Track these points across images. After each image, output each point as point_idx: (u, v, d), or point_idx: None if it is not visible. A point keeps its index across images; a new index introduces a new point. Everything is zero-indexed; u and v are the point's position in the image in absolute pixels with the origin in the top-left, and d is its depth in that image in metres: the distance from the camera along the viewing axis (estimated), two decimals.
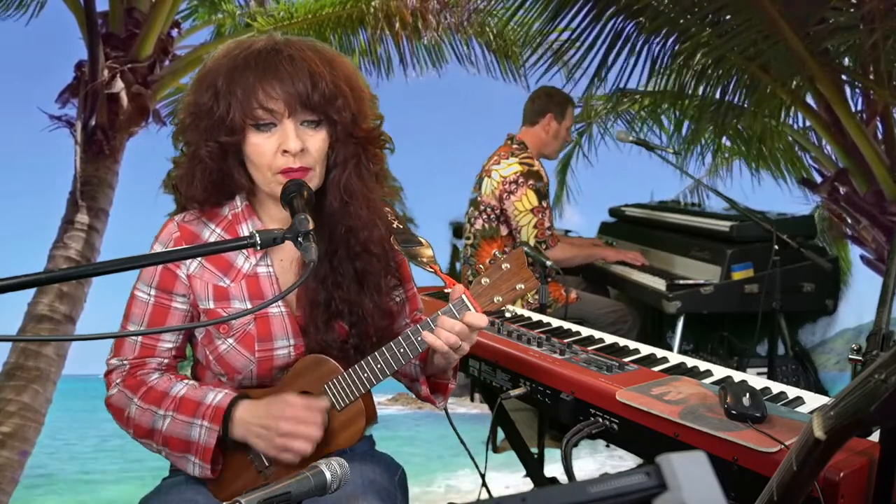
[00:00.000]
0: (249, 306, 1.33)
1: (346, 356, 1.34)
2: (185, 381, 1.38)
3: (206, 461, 1.29)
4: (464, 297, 1.27)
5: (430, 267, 1.36)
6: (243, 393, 1.34)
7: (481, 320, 1.26)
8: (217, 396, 1.32)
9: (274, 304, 1.34)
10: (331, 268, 1.34)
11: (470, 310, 1.26)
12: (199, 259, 1.35)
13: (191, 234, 1.35)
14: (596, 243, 3.60)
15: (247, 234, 1.33)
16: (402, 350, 1.28)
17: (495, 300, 1.28)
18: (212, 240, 1.35)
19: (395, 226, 1.41)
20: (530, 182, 3.08)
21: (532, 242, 3.06)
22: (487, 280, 1.28)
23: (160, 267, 1.34)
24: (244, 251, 1.35)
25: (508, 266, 1.28)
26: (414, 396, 1.43)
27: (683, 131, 5.36)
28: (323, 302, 1.34)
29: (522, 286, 1.28)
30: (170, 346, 1.39)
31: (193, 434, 1.29)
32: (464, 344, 1.27)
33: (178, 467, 1.35)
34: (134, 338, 1.37)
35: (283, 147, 1.26)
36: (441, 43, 5.52)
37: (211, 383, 1.42)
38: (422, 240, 1.40)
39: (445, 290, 1.32)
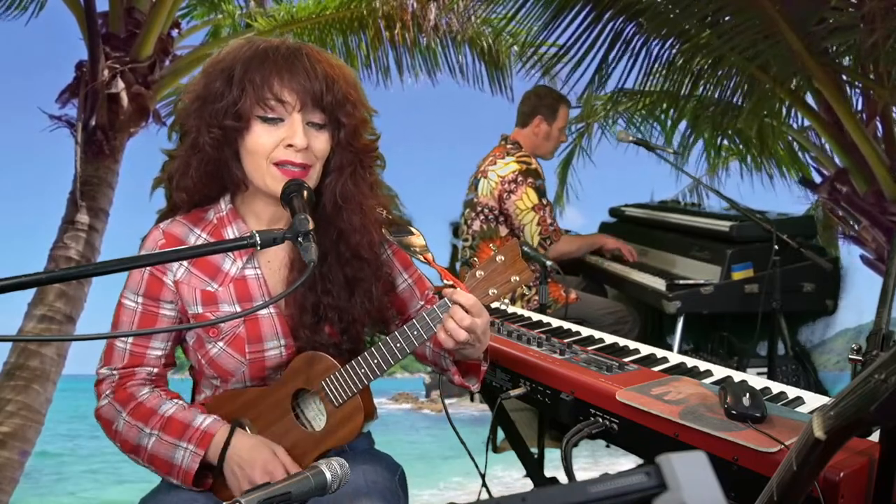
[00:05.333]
0: (238, 309, 1.33)
1: (341, 356, 1.34)
2: (175, 400, 1.38)
3: (187, 483, 1.29)
4: (459, 290, 1.27)
5: (423, 257, 1.36)
6: (236, 420, 1.34)
7: (466, 298, 1.25)
8: (206, 421, 1.32)
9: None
10: (320, 274, 1.34)
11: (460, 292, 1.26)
12: (186, 265, 1.34)
13: (176, 240, 1.35)
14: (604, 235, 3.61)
15: (232, 237, 1.34)
16: (398, 345, 1.29)
17: (490, 293, 1.28)
18: (197, 245, 1.35)
19: (384, 216, 1.40)
20: (529, 180, 3.08)
21: (537, 240, 3.06)
22: (482, 273, 1.29)
23: (146, 274, 1.34)
24: (231, 254, 1.35)
25: (503, 258, 1.28)
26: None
27: (683, 132, 5.37)
28: (310, 306, 1.35)
29: (517, 278, 1.28)
30: (159, 353, 1.38)
31: (177, 457, 1.29)
32: (470, 336, 1.25)
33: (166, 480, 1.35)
34: (122, 346, 1.36)
35: (289, 141, 1.26)
36: (436, 50, 5.56)
37: (206, 387, 1.42)
38: (413, 229, 1.40)
39: (444, 281, 1.32)
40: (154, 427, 1.31)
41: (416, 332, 1.28)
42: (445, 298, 1.27)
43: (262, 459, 1.27)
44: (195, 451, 1.28)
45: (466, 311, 1.25)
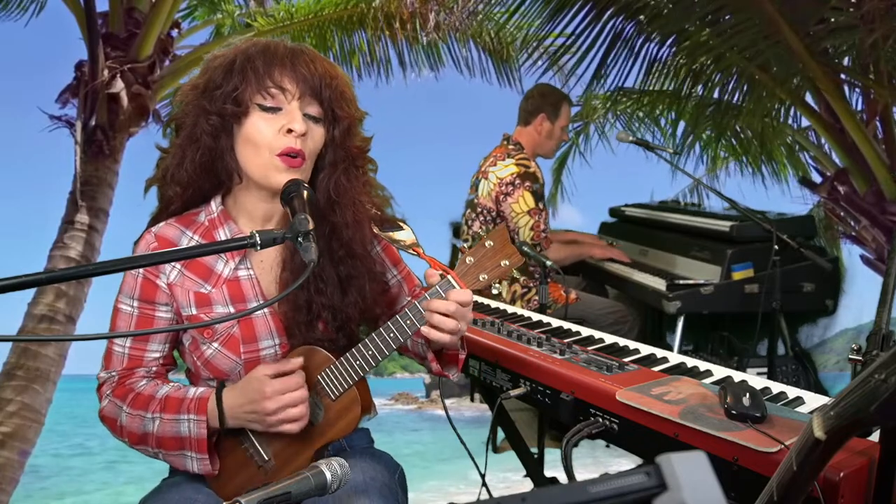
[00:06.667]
0: (232, 311, 1.34)
1: (337, 351, 1.34)
2: (171, 384, 1.38)
3: (202, 452, 1.30)
4: (449, 277, 1.28)
5: (413, 250, 1.37)
6: (221, 382, 1.35)
7: (465, 295, 1.26)
8: (199, 390, 1.33)
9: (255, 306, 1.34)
10: (313, 274, 1.34)
11: (455, 288, 1.27)
12: (179, 267, 1.35)
13: (168, 243, 1.35)
14: (593, 241, 3.61)
15: (225, 239, 1.34)
16: (391, 335, 1.29)
17: (481, 278, 1.29)
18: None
19: (374, 213, 1.41)
20: (527, 184, 3.07)
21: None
22: (472, 259, 1.30)
23: (140, 278, 1.35)
24: (223, 255, 1.35)
25: (492, 243, 1.30)
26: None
27: (683, 131, 5.37)
28: (304, 305, 1.35)
29: (507, 262, 1.29)
30: (157, 355, 1.39)
31: (183, 429, 1.29)
32: (460, 324, 1.26)
33: (177, 467, 1.35)
34: (121, 350, 1.37)
35: (289, 126, 1.27)
36: (438, 45, 5.53)
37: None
38: (402, 224, 1.41)
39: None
40: (155, 411, 1.32)
41: (409, 321, 1.28)
42: (438, 286, 1.27)
43: (258, 388, 1.26)
44: (197, 419, 1.29)
45: (464, 304, 1.26)
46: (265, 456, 1.35)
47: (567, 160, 6.28)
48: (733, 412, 1.19)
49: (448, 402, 1.51)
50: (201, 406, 1.30)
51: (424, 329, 1.27)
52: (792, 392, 1.39)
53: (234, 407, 1.29)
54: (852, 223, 4.51)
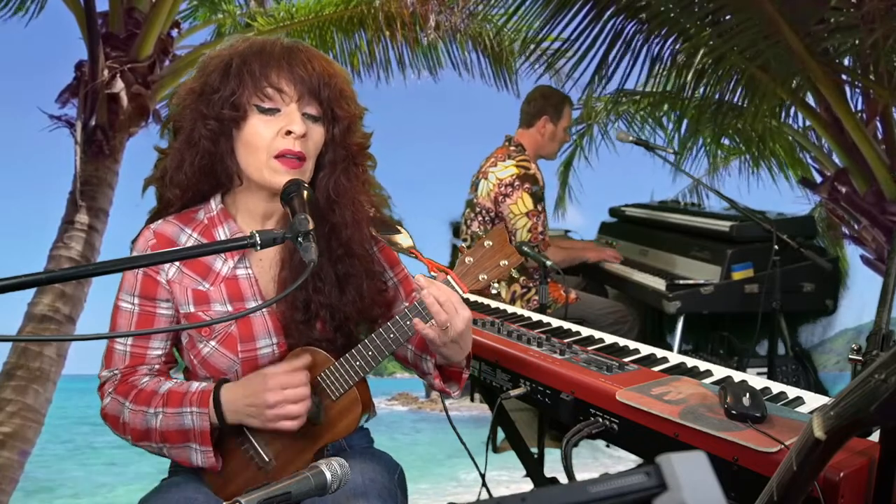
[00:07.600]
0: (230, 309, 1.33)
1: (336, 351, 1.34)
2: (173, 380, 1.38)
3: (206, 444, 1.29)
4: (449, 278, 1.28)
5: (411, 252, 1.37)
6: (224, 378, 1.34)
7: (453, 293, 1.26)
8: (201, 384, 1.33)
9: (253, 305, 1.34)
10: (311, 273, 1.34)
11: (455, 288, 1.27)
12: (178, 264, 1.34)
13: (167, 241, 1.35)
14: (587, 246, 3.60)
15: (224, 237, 1.34)
16: (392, 335, 1.29)
17: (480, 278, 1.30)
18: (189, 245, 1.35)
19: (373, 213, 1.41)
20: (526, 185, 3.07)
21: None
22: (471, 259, 1.30)
23: (140, 275, 1.34)
24: (222, 254, 1.35)
25: (491, 244, 1.30)
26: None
27: (683, 131, 5.37)
28: (301, 304, 1.35)
29: (506, 262, 1.30)
30: (159, 352, 1.39)
31: (186, 422, 1.29)
32: (453, 320, 1.25)
33: (181, 461, 1.34)
34: (122, 348, 1.37)
35: (288, 128, 1.27)
36: (438, 47, 5.54)
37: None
38: (400, 227, 1.42)
39: (431, 273, 1.33)
40: (157, 405, 1.31)
41: (409, 323, 1.28)
42: (448, 277, 1.28)
43: (261, 381, 1.27)
44: (199, 411, 1.28)
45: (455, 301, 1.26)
46: (266, 457, 1.35)
47: (573, 162, 6.29)
48: (733, 412, 1.19)
49: (448, 402, 1.51)
50: (203, 399, 1.30)
51: (416, 321, 1.27)
52: (792, 392, 1.39)
53: (234, 400, 1.29)
54: (852, 223, 4.51)
